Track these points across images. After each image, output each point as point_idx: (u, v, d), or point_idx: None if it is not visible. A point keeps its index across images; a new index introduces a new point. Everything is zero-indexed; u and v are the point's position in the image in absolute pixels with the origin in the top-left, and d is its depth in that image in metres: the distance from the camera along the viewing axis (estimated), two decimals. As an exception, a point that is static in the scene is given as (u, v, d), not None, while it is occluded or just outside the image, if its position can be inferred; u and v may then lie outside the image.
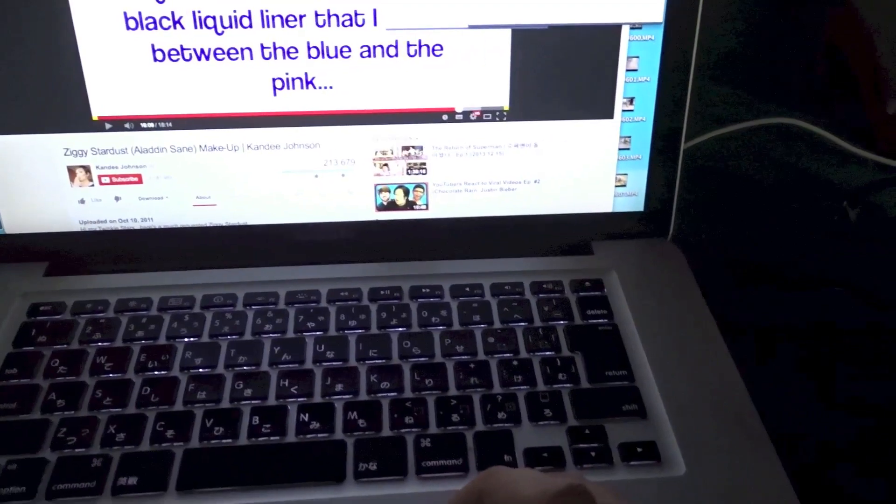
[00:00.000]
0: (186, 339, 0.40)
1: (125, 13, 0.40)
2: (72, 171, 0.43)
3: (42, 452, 0.34)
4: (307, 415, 0.36)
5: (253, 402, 0.36)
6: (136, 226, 0.44)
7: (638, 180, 0.46)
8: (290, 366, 0.38)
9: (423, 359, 0.39)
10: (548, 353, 0.39)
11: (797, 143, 0.60)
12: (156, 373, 0.38)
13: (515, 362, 0.39)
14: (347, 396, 0.37)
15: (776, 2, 0.76)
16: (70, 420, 0.35)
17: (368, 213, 0.45)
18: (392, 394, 0.37)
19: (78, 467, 0.34)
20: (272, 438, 0.35)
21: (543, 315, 0.41)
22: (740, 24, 0.72)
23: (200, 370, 0.38)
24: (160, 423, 0.35)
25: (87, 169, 0.43)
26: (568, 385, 0.38)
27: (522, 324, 0.41)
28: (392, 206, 0.45)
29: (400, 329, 0.40)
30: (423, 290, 0.42)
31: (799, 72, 0.69)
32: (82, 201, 0.43)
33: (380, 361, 0.39)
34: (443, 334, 0.40)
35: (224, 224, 0.45)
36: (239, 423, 0.35)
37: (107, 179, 0.43)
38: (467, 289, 0.43)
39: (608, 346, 0.40)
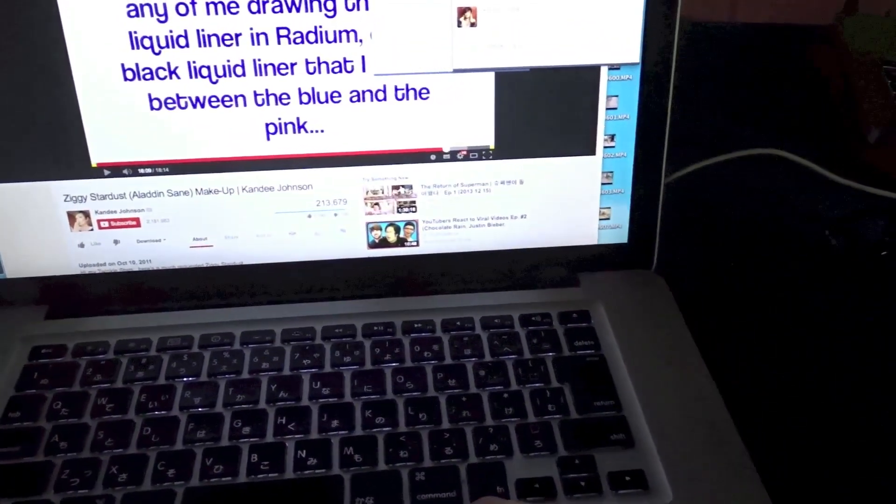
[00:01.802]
0: (185, 379, 0.41)
1: (122, 65, 0.41)
2: (71, 217, 0.44)
3: (46, 494, 0.35)
4: (304, 451, 0.37)
5: (251, 439, 0.38)
6: (135, 268, 0.45)
7: (621, 213, 0.47)
8: (287, 403, 0.39)
9: (416, 393, 0.40)
10: (537, 384, 0.40)
11: (780, 173, 0.61)
12: (156, 413, 0.39)
13: (506, 395, 0.40)
14: (343, 432, 0.38)
15: (759, 33, 0.78)
16: (73, 462, 0.36)
17: (361, 251, 0.46)
18: (387, 428, 0.38)
19: (82, 508, 0.34)
20: (271, 475, 0.36)
21: (532, 347, 0.43)
22: (721, 57, 0.74)
23: (200, 409, 0.39)
24: (161, 462, 0.36)
25: (86, 214, 0.44)
26: (557, 416, 0.39)
27: (512, 356, 0.42)
28: (384, 243, 0.46)
29: (393, 364, 0.41)
30: (416, 325, 0.44)
31: (781, 102, 0.70)
32: (82, 245, 0.44)
33: (374, 397, 0.40)
34: (435, 368, 0.41)
35: (220, 264, 0.46)
36: (238, 461, 0.36)
37: (106, 224, 0.44)
38: (458, 323, 0.44)
39: (596, 376, 0.41)
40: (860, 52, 0.66)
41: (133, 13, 0.40)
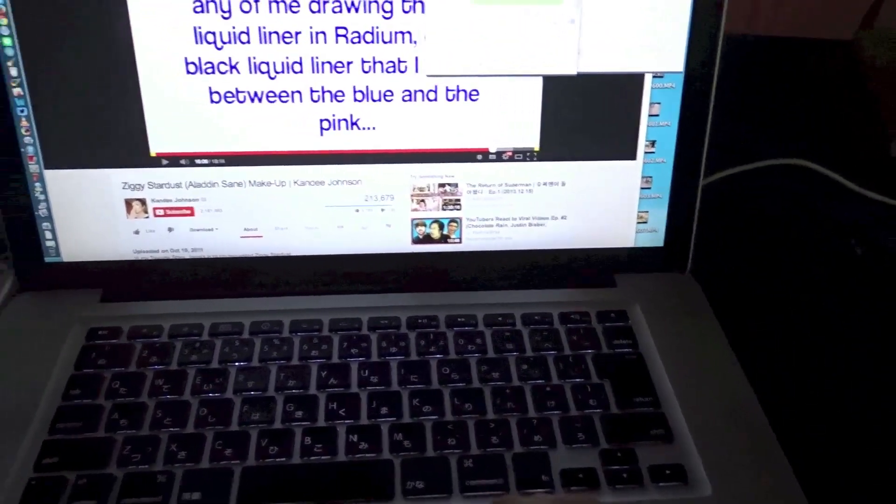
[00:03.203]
0: (238, 364, 0.42)
1: (186, 59, 0.42)
2: (129, 204, 0.45)
3: (109, 468, 0.36)
4: (355, 436, 0.38)
5: (304, 423, 0.39)
6: (187, 255, 0.47)
7: (658, 217, 0.49)
8: (337, 389, 0.41)
9: (461, 384, 0.41)
10: (578, 380, 0.42)
11: (805, 183, 0.63)
12: (211, 395, 0.40)
13: (548, 388, 0.41)
14: (392, 419, 0.39)
15: (778, 46, 0.79)
16: (133, 438, 0.38)
17: (405, 246, 0.48)
18: (434, 417, 0.39)
19: (144, 483, 0.36)
20: (324, 458, 0.37)
21: (572, 344, 0.44)
22: (742, 68, 0.76)
23: (252, 393, 0.40)
24: (218, 442, 0.38)
25: (142, 202, 0.45)
26: (598, 410, 0.40)
27: (553, 352, 0.43)
28: (427, 239, 0.48)
29: (438, 356, 0.43)
30: (459, 319, 0.45)
31: (803, 113, 0.72)
32: (137, 232, 0.46)
33: (421, 386, 0.41)
34: (479, 361, 0.43)
35: (269, 255, 0.47)
36: (292, 443, 0.38)
37: (161, 212, 0.46)
38: (500, 318, 0.45)
39: (634, 374, 0.42)
40: (880, 65, 0.67)
41: (199, 9, 0.42)
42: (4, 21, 0.41)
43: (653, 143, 0.47)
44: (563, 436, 0.39)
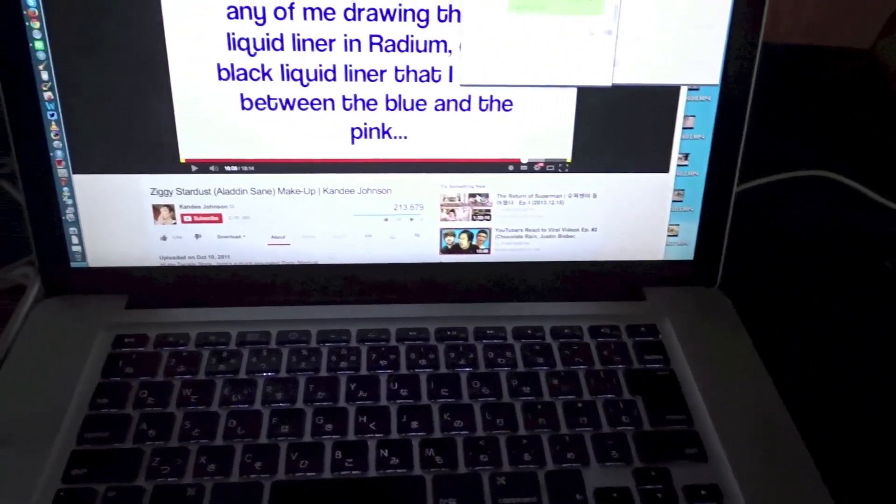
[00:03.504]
0: (266, 374, 0.42)
1: (218, 65, 0.42)
2: (156, 210, 0.45)
3: (138, 481, 0.36)
4: (386, 451, 0.38)
5: (334, 436, 0.38)
6: (214, 262, 0.46)
7: (689, 231, 0.48)
8: (367, 402, 0.40)
9: (491, 399, 0.41)
10: (609, 396, 0.41)
11: (831, 194, 0.62)
12: (240, 406, 0.40)
13: (580, 404, 0.41)
14: (422, 434, 0.39)
15: (798, 54, 0.79)
16: (162, 450, 0.37)
17: (433, 256, 0.47)
18: (465, 432, 0.39)
19: (174, 496, 0.35)
20: (354, 472, 0.37)
21: (603, 359, 0.43)
22: (764, 77, 0.75)
23: (281, 405, 0.40)
24: (248, 455, 0.37)
25: (171, 208, 0.45)
26: (630, 428, 0.40)
27: (583, 367, 0.43)
28: (456, 249, 0.47)
29: (468, 369, 0.42)
30: (488, 332, 0.45)
31: (827, 123, 0.71)
32: (164, 238, 0.45)
33: (451, 400, 0.41)
34: (509, 375, 0.42)
35: (296, 263, 0.47)
36: (322, 457, 0.37)
37: (189, 218, 0.45)
38: (529, 331, 0.45)
39: (666, 390, 0.42)
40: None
41: (233, 15, 0.41)
42: (36, 25, 0.40)
43: (686, 156, 0.46)
44: (595, 453, 0.38)
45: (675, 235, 0.48)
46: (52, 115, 0.42)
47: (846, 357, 0.47)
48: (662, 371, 0.43)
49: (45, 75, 0.41)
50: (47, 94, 0.42)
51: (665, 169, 0.46)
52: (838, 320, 0.50)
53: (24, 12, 0.40)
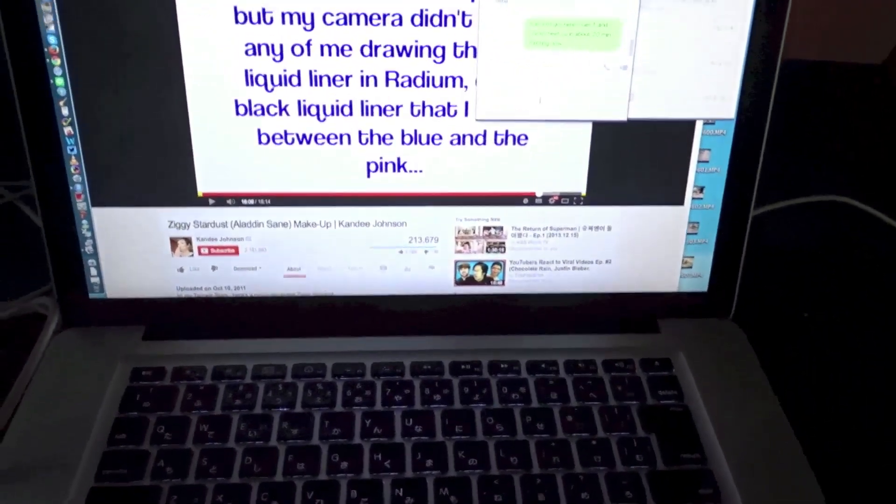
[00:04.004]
0: (282, 409, 0.42)
1: (236, 101, 0.42)
2: (174, 242, 0.45)
3: (157, 520, 0.36)
4: (401, 490, 0.38)
5: (349, 475, 0.39)
6: (230, 294, 0.47)
7: (703, 263, 0.48)
8: (381, 439, 0.40)
9: (505, 436, 0.41)
10: (624, 433, 0.41)
11: (846, 220, 0.62)
12: (256, 443, 0.40)
13: (594, 442, 0.41)
14: (437, 472, 0.39)
15: (810, 71, 0.78)
16: (179, 488, 0.38)
17: (448, 288, 0.48)
18: (479, 470, 0.39)
19: (191, 535, 0.36)
20: (369, 512, 0.37)
21: (617, 394, 0.43)
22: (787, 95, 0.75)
23: (297, 441, 0.40)
24: (264, 493, 0.38)
25: (188, 240, 0.45)
26: (644, 467, 0.40)
27: (597, 402, 0.43)
28: (470, 281, 0.47)
29: (482, 405, 0.43)
30: (502, 366, 0.45)
31: (839, 144, 0.71)
32: (181, 270, 0.46)
33: (465, 437, 0.41)
34: (523, 411, 0.42)
35: (312, 294, 0.47)
36: (338, 496, 0.38)
37: (206, 250, 0.46)
38: (543, 365, 0.45)
39: (680, 427, 0.42)
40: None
41: (251, 52, 0.41)
42: (57, 62, 0.41)
43: (701, 189, 0.46)
44: (610, 493, 0.38)
45: (690, 267, 0.48)
46: (72, 150, 0.43)
47: (862, 388, 0.47)
48: (676, 407, 0.43)
49: (65, 111, 0.42)
50: (67, 130, 0.42)
51: (680, 202, 0.46)
52: (854, 349, 0.50)
53: (46, 49, 0.41)
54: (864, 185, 0.64)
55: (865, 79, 0.73)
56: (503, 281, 0.48)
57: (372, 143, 0.44)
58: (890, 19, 0.75)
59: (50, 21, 0.40)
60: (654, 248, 0.47)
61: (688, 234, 0.47)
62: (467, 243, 0.47)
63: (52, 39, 0.40)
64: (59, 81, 0.41)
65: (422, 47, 0.42)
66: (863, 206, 0.62)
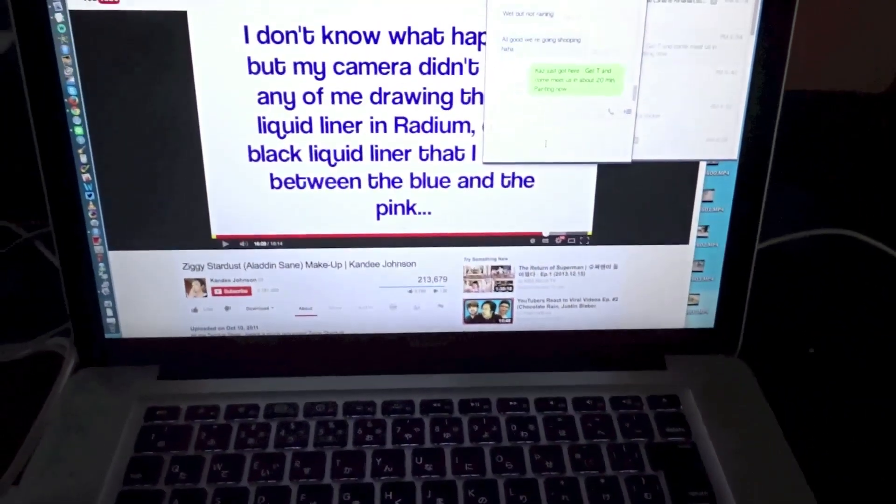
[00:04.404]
0: (294, 448, 0.42)
1: (249, 147, 0.44)
2: (188, 283, 0.46)
3: (171, 560, 0.37)
4: (412, 529, 0.38)
5: (360, 514, 0.39)
6: (243, 333, 0.48)
7: (709, 300, 0.49)
8: (392, 478, 0.41)
9: (515, 474, 0.41)
10: (632, 471, 0.42)
11: (851, 254, 0.62)
12: (269, 482, 0.41)
13: (602, 480, 0.41)
14: (447, 511, 0.39)
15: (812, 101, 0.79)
16: (194, 528, 0.38)
17: (457, 326, 0.48)
18: (489, 509, 0.40)
19: (205, 576, 0.36)
20: (381, 552, 0.38)
21: (625, 431, 0.44)
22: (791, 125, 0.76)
23: (309, 480, 0.41)
24: (277, 533, 0.38)
25: (202, 281, 0.46)
26: (653, 505, 0.40)
27: (605, 440, 0.43)
28: (479, 319, 0.48)
29: (491, 443, 0.43)
30: (511, 403, 0.45)
31: (842, 175, 0.71)
32: (195, 310, 0.47)
33: (475, 476, 0.41)
34: (532, 449, 0.43)
35: (323, 333, 0.48)
36: (350, 536, 0.38)
37: (219, 291, 0.47)
38: (551, 402, 0.45)
39: (688, 465, 0.42)
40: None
41: (263, 100, 0.43)
42: (77, 112, 0.42)
43: (705, 228, 0.47)
44: (619, 532, 0.39)
45: (696, 304, 0.49)
46: (90, 196, 0.44)
47: (870, 423, 0.47)
48: (684, 444, 0.43)
49: (83, 158, 0.43)
50: (86, 176, 0.43)
51: (685, 241, 0.47)
52: (861, 383, 0.50)
53: (66, 100, 0.42)
54: (869, 217, 0.65)
55: (868, 109, 0.74)
56: (511, 319, 0.48)
57: (382, 186, 0.45)
58: (892, 49, 0.76)
59: (70, 73, 0.42)
60: (660, 285, 0.48)
61: (693, 271, 0.48)
62: (476, 282, 0.47)
63: (71, 90, 0.42)
64: (79, 130, 0.43)
65: (430, 94, 0.43)
66: (868, 239, 0.63)
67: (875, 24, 0.71)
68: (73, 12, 0.41)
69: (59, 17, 0.41)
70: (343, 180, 0.45)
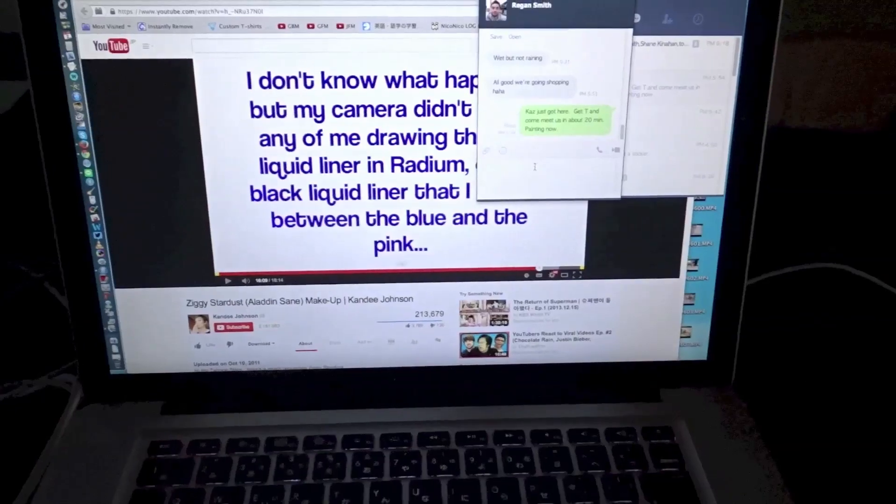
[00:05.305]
0: (293, 481, 0.43)
1: (251, 186, 0.45)
2: (192, 320, 0.47)
3: (172, 591, 0.38)
4: (409, 559, 0.39)
5: (358, 545, 0.40)
6: (244, 368, 0.49)
7: (701, 332, 0.50)
8: (390, 510, 0.42)
9: (510, 505, 0.42)
10: (626, 501, 0.42)
11: (843, 287, 0.63)
12: (268, 514, 0.41)
13: (597, 511, 0.42)
14: (444, 542, 0.40)
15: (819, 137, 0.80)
16: (194, 560, 0.39)
17: (453, 359, 0.49)
18: (485, 540, 0.40)
19: None
20: (378, 582, 0.38)
21: (619, 463, 0.45)
22: (787, 163, 0.77)
23: (308, 512, 0.41)
24: (276, 564, 0.39)
25: (205, 318, 0.47)
26: (647, 535, 0.41)
27: (600, 471, 0.44)
28: (475, 353, 0.49)
29: (487, 475, 0.44)
30: (506, 435, 0.46)
31: (838, 213, 0.73)
32: (198, 346, 0.48)
33: (472, 507, 0.42)
34: (527, 481, 0.43)
35: (322, 368, 0.49)
36: (347, 567, 0.39)
37: (222, 327, 0.48)
38: (547, 434, 0.46)
39: (682, 496, 0.43)
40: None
41: (265, 142, 0.45)
42: (87, 155, 0.44)
43: (695, 262, 0.48)
44: (613, 562, 0.39)
45: (689, 337, 0.50)
46: (98, 235, 0.45)
47: (863, 454, 0.48)
48: (678, 476, 0.44)
49: (92, 199, 0.45)
50: (94, 217, 0.45)
51: (675, 274, 0.48)
52: (854, 414, 0.51)
53: (76, 144, 0.44)
54: (861, 250, 0.66)
55: (859, 146, 0.75)
56: (507, 352, 0.49)
57: (379, 223, 0.46)
58: (887, 89, 0.78)
59: (81, 119, 0.43)
60: (652, 318, 0.49)
61: (685, 304, 0.49)
62: (472, 316, 0.49)
63: (82, 135, 0.44)
64: (88, 173, 0.44)
65: (425, 135, 0.45)
66: (859, 272, 0.64)
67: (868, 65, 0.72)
68: (84, 61, 0.43)
69: (71, 65, 0.43)
70: (342, 218, 0.46)
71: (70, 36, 0.42)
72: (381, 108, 0.44)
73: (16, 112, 0.63)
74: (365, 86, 0.44)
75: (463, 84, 0.44)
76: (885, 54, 0.71)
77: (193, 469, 0.44)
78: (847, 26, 0.70)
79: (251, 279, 0.47)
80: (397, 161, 0.45)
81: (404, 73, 0.44)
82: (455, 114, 0.45)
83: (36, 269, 0.62)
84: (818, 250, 0.66)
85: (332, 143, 0.45)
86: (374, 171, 0.45)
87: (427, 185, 0.46)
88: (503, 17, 0.43)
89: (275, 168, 0.45)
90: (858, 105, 0.77)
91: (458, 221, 0.47)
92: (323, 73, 0.44)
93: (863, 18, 0.70)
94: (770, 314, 0.60)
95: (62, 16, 0.42)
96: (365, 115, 0.45)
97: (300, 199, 0.46)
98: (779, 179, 0.74)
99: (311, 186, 0.45)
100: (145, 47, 0.42)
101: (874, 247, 0.68)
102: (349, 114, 0.44)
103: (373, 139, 0.45)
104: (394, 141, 0.45)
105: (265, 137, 0.44)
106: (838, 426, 0.50)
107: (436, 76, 0.44)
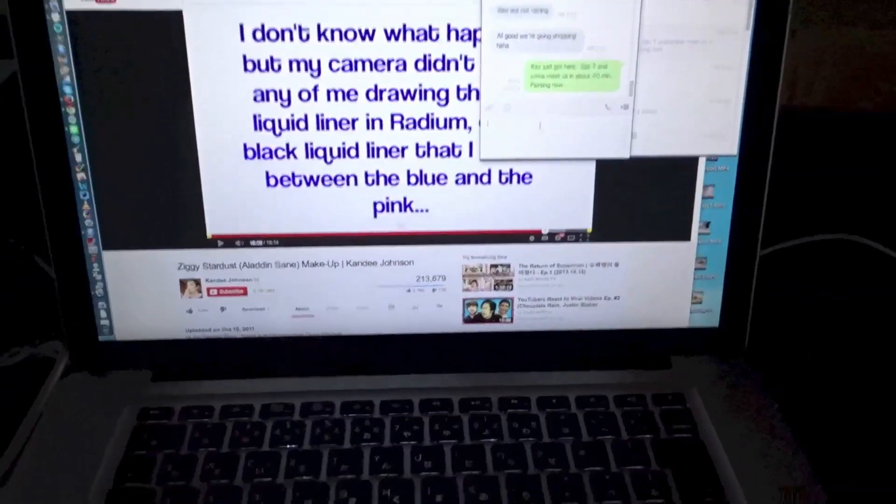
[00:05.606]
0: (289, 447, 0.41)
1: (245, 144, 0.43)
2: (183, 284, 0.46)
3: (161, 559, 0.36)
4: (410, 526, 0.37)
5: (357, 512, 0.38)
6: (238, 335, 0.47)
7: (713, 298, 0.48)
8: (391, 475, 0.40)
9: (517, 470, 0.40)
10: (638, 467, 0.41)
11: (858, 259, 0.62)
12: (263, 479, 0.40)
13: (607, 476, 0.40)
14: (447, 508, 0.38)
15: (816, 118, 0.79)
16: (185, 527, 0.37)
17: (456, 326, 0.48)
18: (490, 506, 0.38)
19: (196, 575, 0.35)
20: (378, 549, 0.36)
21: (630, 428, 0.43)
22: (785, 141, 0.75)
23: (305, 478, 0.40)
24: (271, 531, 0.37)
25: (197, 282, 0.46)
26: (661, 502, 0.39)
27: (610, 437, 0.42)
28: (479, 319, 0.48)
29: (492, 440, 0.42)
30: (512, 402, 0.44)
31: (850, 186, 0.71)
32: (190, 311, 0.46)
33: (476, 472, 0.40)
34: (534, 446, 0.42)
35: (320, 334, 0.47)
36: (346, 534, 0.37)
37: (214, 292, 0.46)
38: (554, 401, 0.44)
39: (696, 462, 0.41)
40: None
41: (259, 98, 0.43)
42: (72, 110, 0.42)
43: (707, 225, 0.46)
44: (625, 529, 0.37)
45: (700, 303, 0.48)
46: (85, 195, 0.44)
47: (875, 420, 0.46)
48: (691, 442, 0.42)
49: (78, 157, 0.43)
50: (80, 175, 0.43)
51: (686, 237, 0.47)
52: (867, 382, 0.49)
53: (61, 99, 0.42)
54: (873, 223, 0.64)
55: (871, 124, 0.74)
56: (511, 318, 0.48)
57: (378, 183, 0.45)
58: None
59: (66, 72, 0.42)
60: (662, 283, 0.48)
61: (696, 269, 0.47)
62: (475, 281, 0.47)
63: (67, 90, 0.42)
64: (74, 129, 0.43)
65: (426, 91, 0.43)
66: (873, 243, 0.62)
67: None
68: (69, 12, 0.41)
69: (55, 16, 0.41)
70: (339, 178, 0.44)
71: (55, -17, 0.40)
72: (379, 63, 0.43)
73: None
74: (363, 39, 0.42)
75: (465, 37, 0.43)
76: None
77: (185, 435, 0.42)
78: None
79: (245, 241, 0.45)
80: (397, 118, 0.43)
81: (404, 25, 0.42)
82: (457, 69, 0.43)
83: (26, 242, 0.60)
84: (833, 221, 0.64)
85: (328, 100, 0.43)
86: (373, 128, 0.44)
87: (428, 143, 0.44)
88: (507, -35, 0.41)
89: (269, 125, 0.43)
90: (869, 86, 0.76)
91: (460, 182, 0.45)
92: (319, 26, 0.42)
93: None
94: (783, 284, 0.58)
95: (47, -38, 0.40)
96: (363, 69, 0.43)
97: (296, 157, 0.44)
98: (793, 152, 0.72)
99: (307, 144, 0.44)
100: (134, -4, 0.41)
101: (890, 218, 0.66)
102: (346, 68, 0.43)
103: (371, 95, 0.43)
104: (393, 97, 0.43)
105: (259, 93, 0.43)
106: (850, 397, 0.49)
107: (437, 29, 0.42)
